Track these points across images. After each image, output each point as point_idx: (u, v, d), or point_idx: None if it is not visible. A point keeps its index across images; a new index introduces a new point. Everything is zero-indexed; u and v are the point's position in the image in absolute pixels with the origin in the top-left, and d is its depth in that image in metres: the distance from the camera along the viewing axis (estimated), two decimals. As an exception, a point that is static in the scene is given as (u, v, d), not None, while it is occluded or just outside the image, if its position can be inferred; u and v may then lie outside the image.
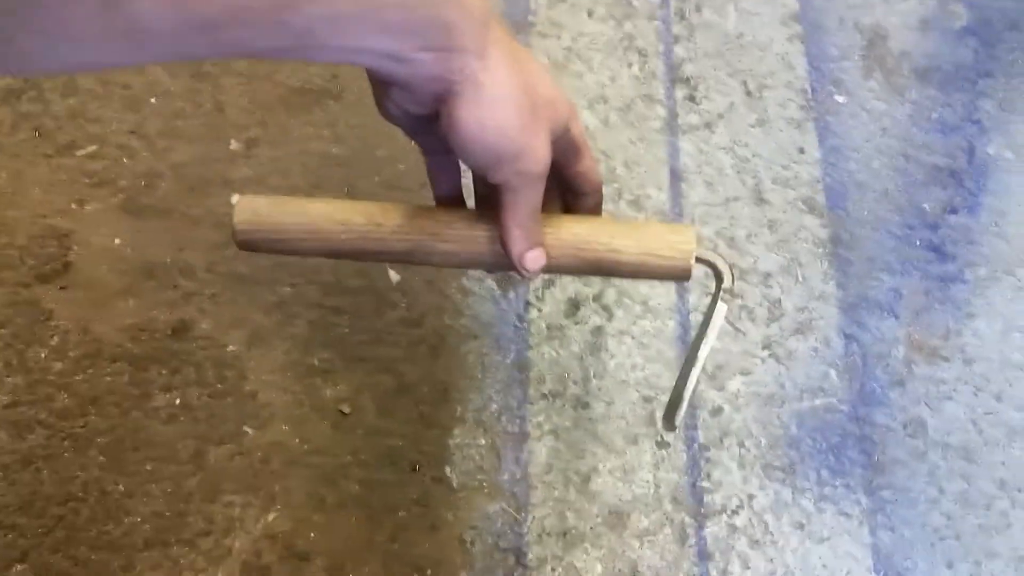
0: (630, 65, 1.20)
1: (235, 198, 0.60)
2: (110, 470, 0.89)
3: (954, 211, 1.20)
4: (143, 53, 0.35)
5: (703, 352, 0.58)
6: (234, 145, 1.07)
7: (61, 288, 0.96)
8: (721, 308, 0.58)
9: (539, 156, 0.49)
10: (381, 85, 0.48)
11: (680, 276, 0.57)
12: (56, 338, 0.94)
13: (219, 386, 0.93)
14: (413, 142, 0.58)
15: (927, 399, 1.07)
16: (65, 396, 0.91)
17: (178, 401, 0.92)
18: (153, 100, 1.08)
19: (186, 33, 0.34)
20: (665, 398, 0.99)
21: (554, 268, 0.57)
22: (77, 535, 0.86)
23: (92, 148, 1.04)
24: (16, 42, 0.32)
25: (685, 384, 0.59)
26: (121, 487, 0.88)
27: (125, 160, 1.04)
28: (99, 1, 0.31)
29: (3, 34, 0.31)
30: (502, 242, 0.53)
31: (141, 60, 0.36)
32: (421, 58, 0.42)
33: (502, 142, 0.47)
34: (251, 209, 0.58)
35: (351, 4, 0.38)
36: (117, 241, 1.00)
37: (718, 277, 0.58)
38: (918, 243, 1.17)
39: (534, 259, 0.54)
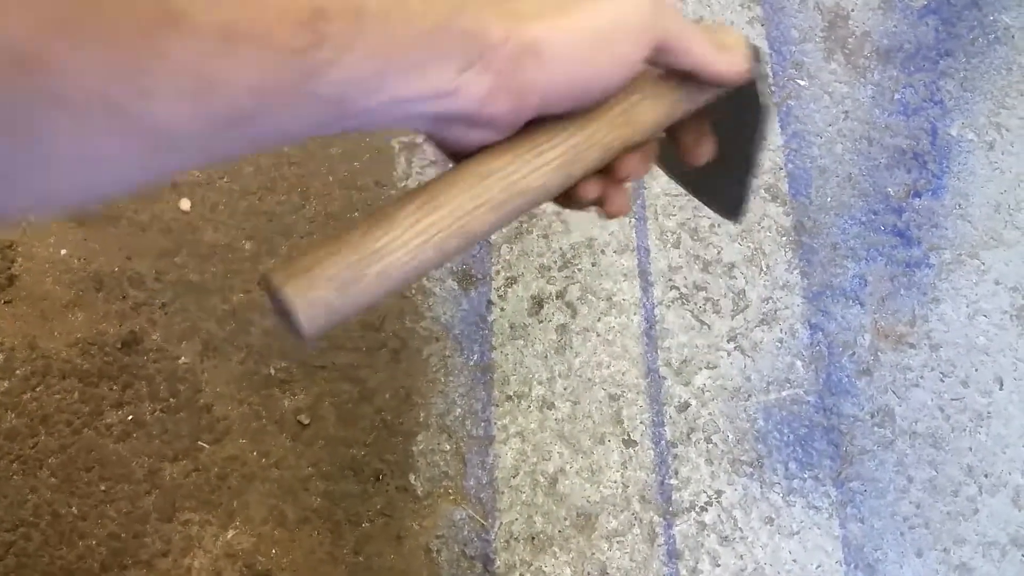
0: (589, 53, 1.18)
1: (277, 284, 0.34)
2: (62, 492, 0.86)
3: (918, 194, 1.19)
4: (174, 160, 0.31)
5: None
6: (182, 147, 1.04)
7: (5, 303, 0.93)
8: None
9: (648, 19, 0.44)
10: (451, 141, 0.43)
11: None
12: (1, 356, 0.91)
13: (172, 400, 0.91)
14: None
15: (894, 387, 1.07)
16: (13, 416, 0.88)
17: (131, 418, 0.89)
18: (96, 102, 1.04)
19: (214, 131, 0.31)
20: (632, 396, 0.98)
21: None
22: (29, 561, 0.83)
23: (33, 154, 1.00)
24: (19, 178, 0.26)
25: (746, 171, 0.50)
26: (74, 509, 0.86)
27: (68, 166, 1.01)
28: (107, 111, 0.27)
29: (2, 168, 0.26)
30: (710, 78, 0.47)
31: (175, 168, 0.32)
32: (467, 80, 0.39)
33: (610, 47, 0.42)
34: (322, 303, 0.34)
35: (374, 59, 0.35)
36: (63, 251, 0.96)
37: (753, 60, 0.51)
38: (883, 228, 1.16)
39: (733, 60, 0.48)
